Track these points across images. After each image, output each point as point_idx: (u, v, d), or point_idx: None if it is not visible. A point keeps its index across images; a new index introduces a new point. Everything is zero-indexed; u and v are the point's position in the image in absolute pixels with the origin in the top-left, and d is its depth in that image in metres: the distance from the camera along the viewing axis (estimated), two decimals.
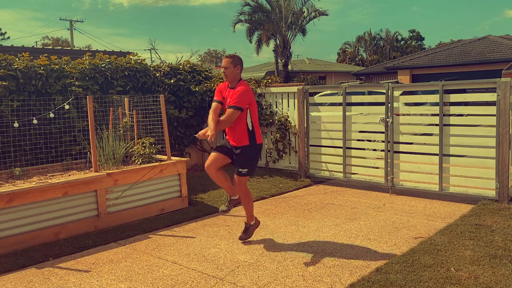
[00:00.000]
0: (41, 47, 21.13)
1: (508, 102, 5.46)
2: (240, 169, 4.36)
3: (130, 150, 6.25)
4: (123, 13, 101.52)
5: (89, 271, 3.96)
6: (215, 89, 8.32)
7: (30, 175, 5.42)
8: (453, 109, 6.12)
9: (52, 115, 5.54)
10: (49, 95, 6.32)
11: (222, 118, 4.22)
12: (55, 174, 5.47)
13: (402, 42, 54.69)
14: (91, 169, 5.43)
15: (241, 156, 4.36)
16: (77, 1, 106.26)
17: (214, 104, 4.42)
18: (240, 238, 4.61)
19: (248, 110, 4.36)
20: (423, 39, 55.54)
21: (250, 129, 4.37)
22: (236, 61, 4.36)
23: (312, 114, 7.65)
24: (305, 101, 7.50)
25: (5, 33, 48.08)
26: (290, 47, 27.07)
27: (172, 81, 8.08)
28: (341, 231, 4.86)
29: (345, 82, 22.38)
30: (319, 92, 11.92)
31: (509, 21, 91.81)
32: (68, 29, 37.28)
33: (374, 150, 6.91)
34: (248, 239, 4.62)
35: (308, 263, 3.96)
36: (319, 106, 7.86)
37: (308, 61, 36.40)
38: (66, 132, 6.36)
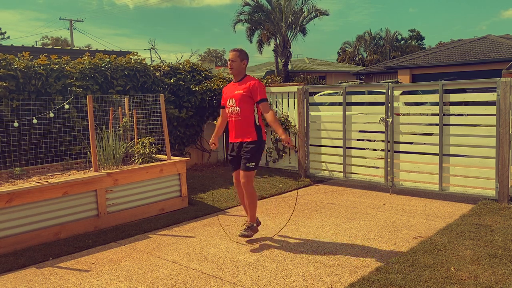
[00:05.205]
0: (41, 46, 21.12)
1: (508, 101, 5.46)
2: (248, 164, 4.35)
3: (130, 150, 6.25)
4: (125, 13, 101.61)
5: (89, 271, 3.96)
6: (215, 88, 8.44)
7: (30, 174, 5.42)
8: (453, 109, 6.12)
9: (52, 114, 5.54)
10: (49, 95, 6.32)
11: (268, 118, 4.30)
12: (55, 174, 5.47)
13: (402, 41, 54.69)
14: (91, 169, 5.43)
15: (248, 150, 4.36)
16: (82, 2, 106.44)
17: (221, 111, 4.77)
18: (241, 235, 4.47)
19: (255, 106, 4.42)
20: (423, 38, 55.59)
21: (258, 124, 4.44)
22: (243, 55, 4.46)
23: (312, 113, 7.65)
24: (305, 101, 7.49)
25: (5, 32, 48.08)
26: (290, 47, 27.06)
27: (172, 80, 8.08)
28: (341, 230, 4.86)
29: (345, 82, 22.42)
30: (319, 92, 11.92)
31: (507, 22, 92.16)
32: (68, 29, 37.29)
33: (374, 149, 6.91)
34: (250, 238, 4.55)
35: (308, 263, 3.96)
36: (319, 106, 7.86)
37: (308, 61, 36.39)
38: (66, 132, 6.36)
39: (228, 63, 4.45)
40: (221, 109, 4.79)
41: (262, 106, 4.38)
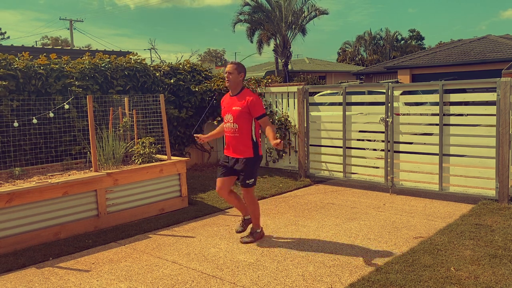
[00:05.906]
0: (41, 46, 21.11)
1: (508, 101, 5.46)
2: (247, 181, 4.40)
3: (130, 150, 6.25)
4: (125, 13, 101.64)
5: (89, 271, 3.96)
6: (215, 88, 8.44)
7: (30, 174, 5.42)
8: (453, 109, 6.12)
9: (52, 114, 5.54)
10: (49, 95, 6.32)
11: (267, 131, 4.31)
12: (55, 174, 5.47)
13: (402, 41, 54.68)
14: (91, 169, 5.43)
15: (246, 167, 4.37)
16: (82, 3, 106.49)
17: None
18: (243, 241, 4.54)
19: (253, 121, 4.40)
20: (423, 38, 55.57)
21: (255, 140, 4.43)
22: (241, 69, 4.45)
23: (312, 113, 7.65)
24: (305, 101, 7.49)
25: (5, 32, 48.08)
26: (290, 47, 27.07)
27: (172, 81, 8.08)
28: (341, 230, 4.86)
29: (345, 82, 22.41)
30: (319, 92, 11.92)
31: (506, 22, 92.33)
32: (68, 29, 37.29)
33: (374, 149, 6.91)
34: (250, 243, 4.54)
35: (308, 263, 3.96)
36: (319, 106, 7.86)
37: (308, 61, 36.38)
38: (66, 132, 6.35)
39: (226, 75, 4.43)
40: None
41: (261, 121, 4.39)
